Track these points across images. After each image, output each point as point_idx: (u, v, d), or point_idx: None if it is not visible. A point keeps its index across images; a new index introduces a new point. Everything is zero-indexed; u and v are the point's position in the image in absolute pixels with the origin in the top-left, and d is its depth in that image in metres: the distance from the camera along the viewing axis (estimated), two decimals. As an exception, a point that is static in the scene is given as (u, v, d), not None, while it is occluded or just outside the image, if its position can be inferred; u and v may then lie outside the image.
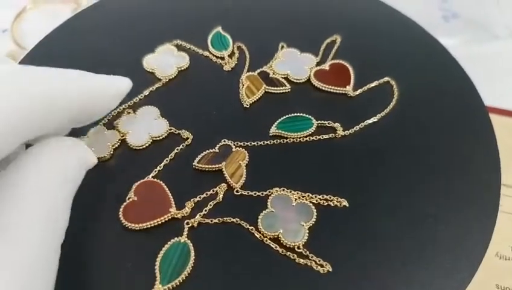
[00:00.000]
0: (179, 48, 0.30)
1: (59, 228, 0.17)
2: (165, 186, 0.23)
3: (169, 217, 0.22)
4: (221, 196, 0.23)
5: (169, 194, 0.23)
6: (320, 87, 0.28)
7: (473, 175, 0.24)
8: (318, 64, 0.29)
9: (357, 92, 0.28)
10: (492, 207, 0.23)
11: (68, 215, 0.18)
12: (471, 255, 0.21)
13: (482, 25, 0.45)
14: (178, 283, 0.20)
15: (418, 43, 0.31)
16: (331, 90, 0.28)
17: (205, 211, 0.22)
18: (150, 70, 0.29)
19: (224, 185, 0.23)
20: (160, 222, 0.21)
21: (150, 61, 0.29)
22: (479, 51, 0.43)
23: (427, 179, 0.24)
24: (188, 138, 0.25)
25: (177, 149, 0.25)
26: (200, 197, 0.23)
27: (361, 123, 0.26)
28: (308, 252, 0.21)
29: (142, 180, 0.23)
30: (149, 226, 0.21)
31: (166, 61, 0.29)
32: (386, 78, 0.28)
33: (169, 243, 0.21)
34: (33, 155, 0.18)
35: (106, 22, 0.33)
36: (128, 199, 0.22)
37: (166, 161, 0.24)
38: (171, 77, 0.28)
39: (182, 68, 0.29)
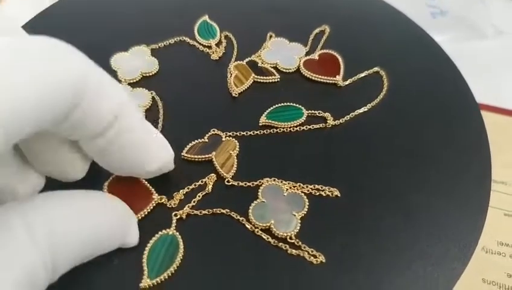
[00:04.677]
0: (153, 51, 0.29)
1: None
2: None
3: (155, 204, 0.21)
4: (210, 186, 0.22)
5: (146, 182, 0.21)
6: (310, 76, 0.27)
7: (463, 163, 0.24)
8: (307, 54, 0.29)
9: (347, 82, 0.27)
10: (484, 198, 0.23)
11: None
12: (463, 245, 0.21)
13: (469, 23, 0.46)
14: (167, 276, 0.19)
15: (407, 35, 0.31)
16: (321, 80, 0.27)
17: (194, 202, 0.21)
18: (114, 69, 0.27)
19: (213, 176, 0.22)
20: (147, 212, 0.21)
21: (117, 61, 0.27)
22: (465, 48, 0.43)
23: (418, 170, 0.23)
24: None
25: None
26: (188, 188, 0.22)
27: (351, 113, 0.25)
28: (300, 243, 0.20)
29: (111, 177, 0.21)
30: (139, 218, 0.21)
31: (133, 64, 0.27)
32: (376, 68, 0.28)
33: (156, 235, 0.20)
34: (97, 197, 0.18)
35: (91, 10, 0.32)
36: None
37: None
38: (132, 81, 0.27)
39: (148, 74, 0.27)
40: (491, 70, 0.42)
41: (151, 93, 0.25)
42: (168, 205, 0.21)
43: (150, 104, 0.25)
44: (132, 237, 0.20)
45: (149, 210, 0.21)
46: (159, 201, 0.21)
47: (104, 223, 0.18)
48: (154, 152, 0.20)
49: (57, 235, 0.15)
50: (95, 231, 0.17)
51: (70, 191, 0.17)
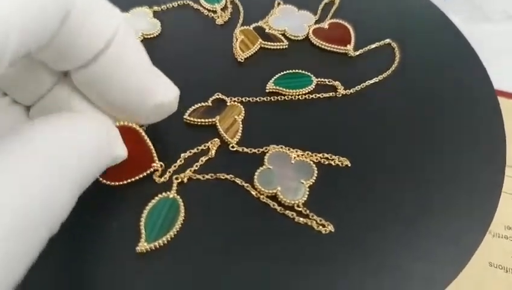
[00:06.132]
0: (156, 13, 0.28)
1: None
2: (144, 134, 0.19)
3: (151, 171, 0.19)
4: (213, 151, 0.21)
5: (150, 144, 0.19)
6: (320, 45, 0.26)
7: (475, 138, 0.23)
8: (316, 22, 0.27)
9: (358, 53, 0.26)
10: (497, 176, 0.22)
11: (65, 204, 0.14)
12: (476, 222, 0.20)
13: (478, 6, 0.45)
14: (166, 241, 0.18)
15: (418, 9, 0.30)
16: (331, 49, 0.26)
17: (196, 166, 0.20)
18: None
19: (217, 141, 0.21)
20: (139, 177, 0.19)
21: None
22: (474, 30, 0.42)
23: (428, 143, 0.22)
24: None
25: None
26: (190, 152, 0.21)
27: (362, 83, 0.24)
28: (308, 211, 0.19)
29: (119, 124, 0.18)
30: (128, 182, 0.19)
31: (134, 25, 0.26)
32: (388, 40, 0.27)
33: (156, 198, 0.19)
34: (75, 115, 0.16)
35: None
36: None
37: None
38: None
39: (150, 36, 0.26)
40: (500, 55, 0.41)
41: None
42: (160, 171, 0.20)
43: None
44: (122, 148, 0.18)
45: (143, 176, 0.19)
46: (157, 169, 0.20)
47: (94, 139, 0.16)
48: (157, 82, 0.18)
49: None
50: (88, 149, 0.15)
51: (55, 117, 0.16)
